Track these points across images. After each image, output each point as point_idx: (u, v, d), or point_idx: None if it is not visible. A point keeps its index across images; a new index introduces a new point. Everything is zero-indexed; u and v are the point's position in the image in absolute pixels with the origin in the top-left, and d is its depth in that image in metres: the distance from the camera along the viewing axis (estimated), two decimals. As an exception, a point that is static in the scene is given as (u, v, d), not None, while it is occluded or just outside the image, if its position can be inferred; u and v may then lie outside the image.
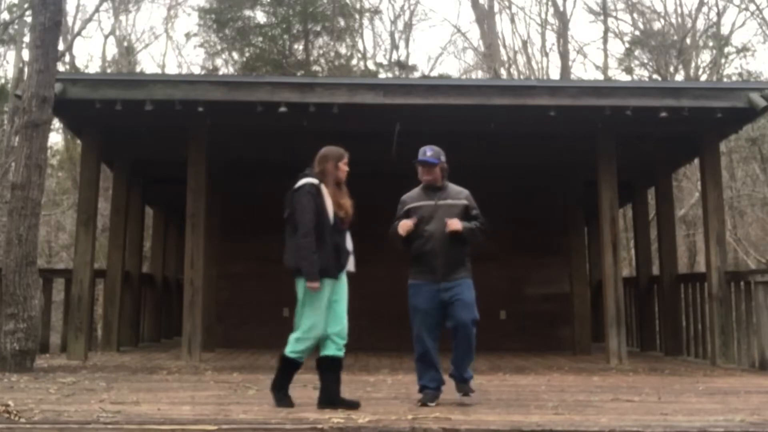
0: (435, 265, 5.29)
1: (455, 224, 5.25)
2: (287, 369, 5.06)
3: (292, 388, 6.05)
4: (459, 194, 5.48)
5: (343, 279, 5.14)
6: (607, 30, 23.58)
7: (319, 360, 5.05)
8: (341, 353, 5.03)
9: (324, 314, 4.98)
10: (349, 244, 5.20)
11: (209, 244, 9.36)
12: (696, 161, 11.06)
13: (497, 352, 9.95)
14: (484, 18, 25.21)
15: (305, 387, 6.12)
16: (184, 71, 25.09)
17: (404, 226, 5.35)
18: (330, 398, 4.98)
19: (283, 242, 5.14)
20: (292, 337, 5.03)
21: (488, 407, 5.13)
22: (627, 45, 22.85)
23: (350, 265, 5.21)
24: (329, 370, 5.04)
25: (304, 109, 8.21)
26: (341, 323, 5.04)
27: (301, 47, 22.53)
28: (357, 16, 23.63)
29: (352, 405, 4.95)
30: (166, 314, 13.02)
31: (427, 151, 5.45)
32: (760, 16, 20.37)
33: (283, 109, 8.13)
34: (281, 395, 5.05)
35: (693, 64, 21.03)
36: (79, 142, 11.39)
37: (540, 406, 5.07)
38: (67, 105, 8.28)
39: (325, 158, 5.19)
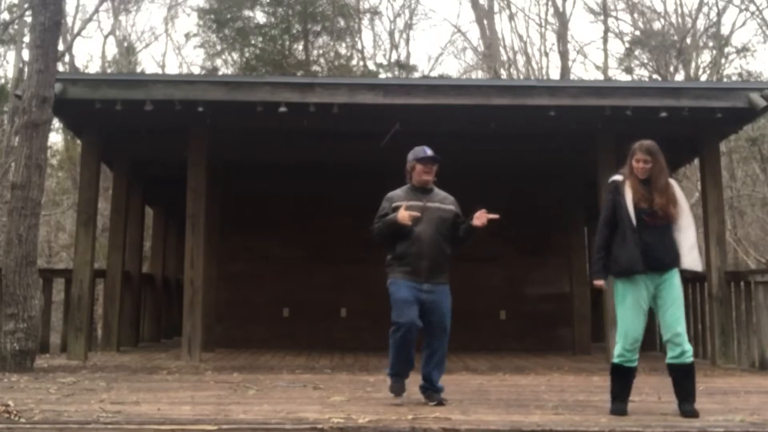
0: (420, 267, 5.19)
1: (484, 218, 5.19)
2: (614, 374, 4.89)
3: (291, 389, 6.05)
4: (446, 199, 5.41)
5: (670, 281, 4.77)
6: (607, 30, 23.59)
7: (667, 365, 4.90)
8: (678, 361, 4.76)
9: (631, 315, 4.76)
10: (684, 239, 4.82)
11: (209, 244, 9.35)
12: (696, 161, 11.05)
13: (497, 352, 9.95)
14: (484, 18, 25.21)
15: (305, 387, 6.13)
16: (184, 71, 25.10)
17: (409, 214, 5.13)
18: (681, 401, 4.81)
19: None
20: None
21: (488, 407, 5.13)
22: (627, 45, 22.84)
23: (684, 262, 4.79)
24: (672, 376, 4.88)
25: (304, 109, 8.20)
26: (671, 329, 4.75)
27: (300, 47, 22.51)
28: (357, 17, 23.62)
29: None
30: (166, 314, 13.02)
31: (427, 150, 5.38)
32: (760, 16, 20.38)
33: (283, 109, 8.13)
34: (615, 406, 4.84)
35: (693, 64, 21.03)
36: (79, 142, 11.39)
37: (540, 406, 5.06)
38: (67, 105, 8.28)
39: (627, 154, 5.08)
